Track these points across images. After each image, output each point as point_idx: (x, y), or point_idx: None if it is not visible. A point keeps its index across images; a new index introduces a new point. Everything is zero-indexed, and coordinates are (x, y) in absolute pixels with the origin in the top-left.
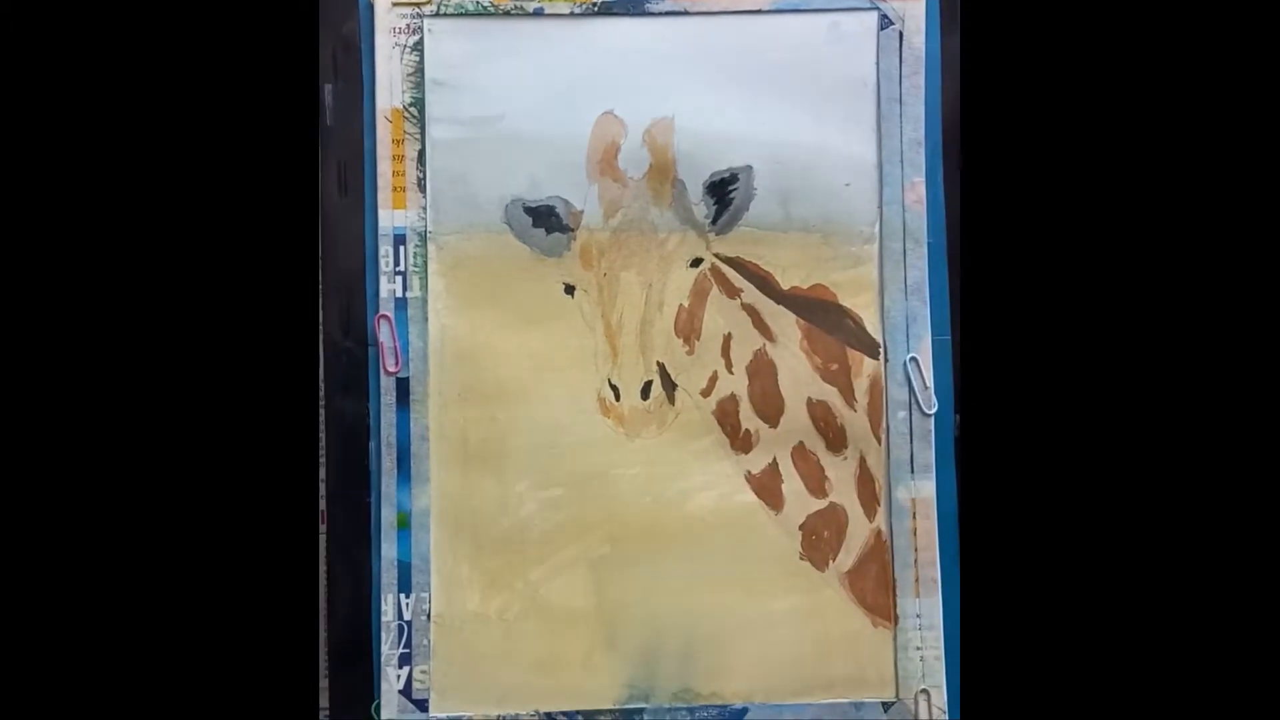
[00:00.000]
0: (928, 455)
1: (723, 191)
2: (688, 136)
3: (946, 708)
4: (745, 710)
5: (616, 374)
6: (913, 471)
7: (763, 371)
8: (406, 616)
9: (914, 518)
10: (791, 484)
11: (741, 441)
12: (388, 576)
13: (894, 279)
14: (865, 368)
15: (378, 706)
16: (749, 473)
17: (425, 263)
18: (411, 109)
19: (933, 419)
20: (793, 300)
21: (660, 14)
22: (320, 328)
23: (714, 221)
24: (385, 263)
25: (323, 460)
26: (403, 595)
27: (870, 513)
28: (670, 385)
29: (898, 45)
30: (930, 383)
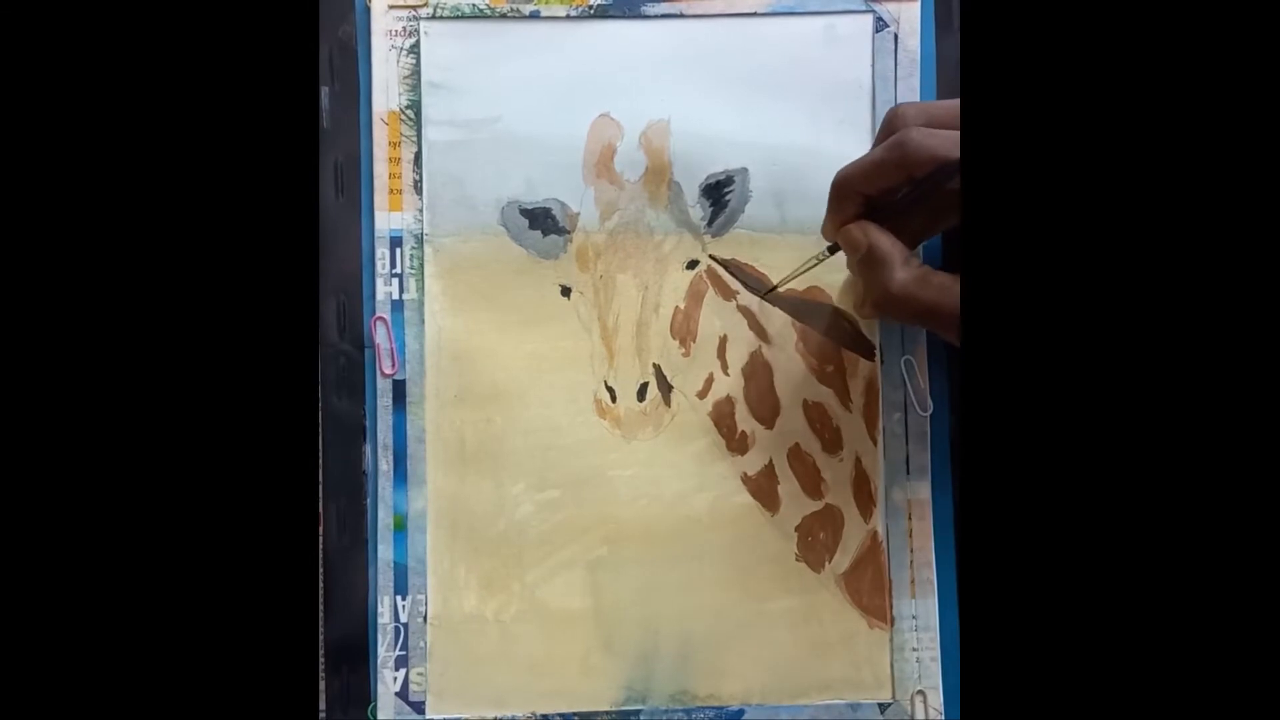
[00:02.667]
0: (923, 457)
1: (718, 194)
2: (684, 139)
3: (943, 708)
4: (742, 712)
5: (613, 376)
6: (908, 473)
7: (759, 373)
8: (403, 618)
9: (910, 519)
10: (788, 485)
11: (738, 443)
12: (384, 578)
13: None
14: (861, 369)
15: (374, 708)
16: (745, 474)
17: (422, 265)
18: (408, 111)
19: (928, 420)
20: (788, 302)
21: (656, 17)
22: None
23: (709, 223)
24: (382, 265)
25: (319, 463)
26: (399, 597)
27: (866, 514)
28: (666, 387)
29: (893, 48)
30: (926, 384)
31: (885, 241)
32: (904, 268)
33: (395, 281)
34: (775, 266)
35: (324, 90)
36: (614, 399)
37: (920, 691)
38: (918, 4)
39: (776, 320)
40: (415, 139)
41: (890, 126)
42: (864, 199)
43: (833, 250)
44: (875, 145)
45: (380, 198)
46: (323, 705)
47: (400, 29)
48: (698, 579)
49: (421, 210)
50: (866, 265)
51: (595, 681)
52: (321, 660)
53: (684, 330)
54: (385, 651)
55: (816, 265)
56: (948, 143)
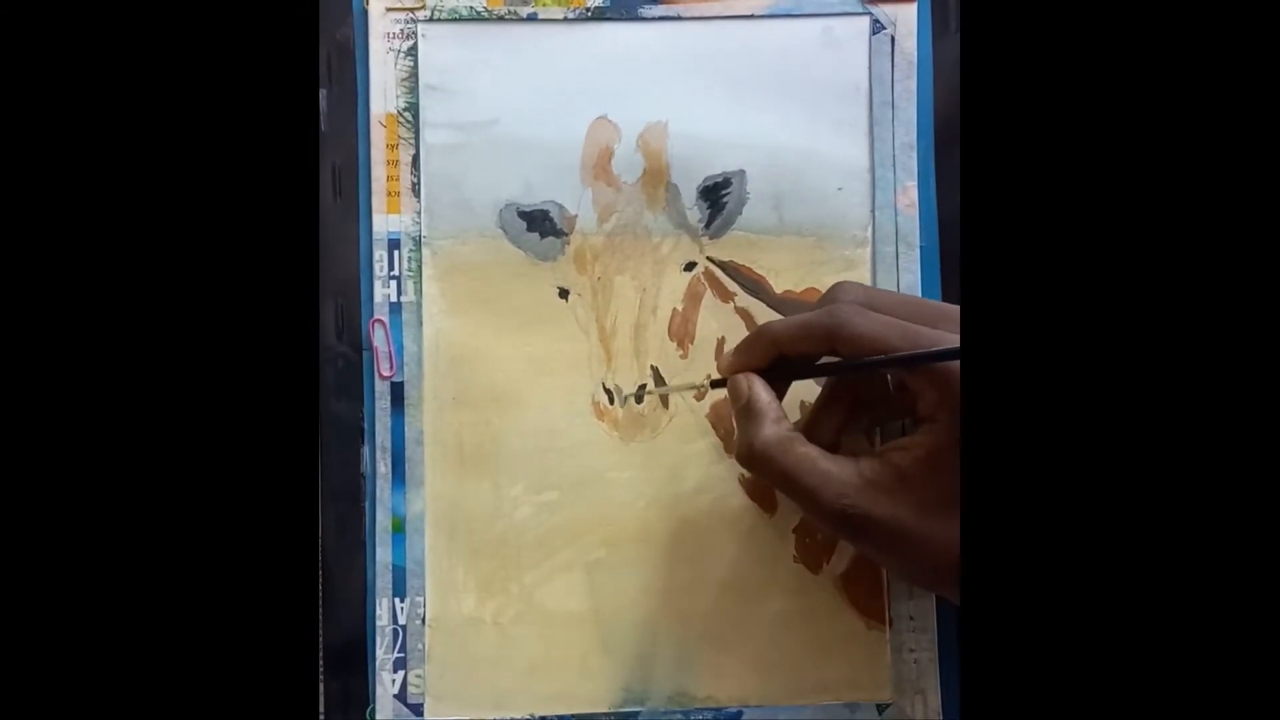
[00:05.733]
0: None
1: (716, 196)
2: (681, 141)
3: (942, 710)
4: (740, 713)
5: (610, 378)
6: None
7: None
8: (401, 621)
9: None
10: None
11: None
12: (382, 581)
13: (886, 283)
14: None
15: (373, 711)
16: (743, 476)
17: (419, 267)
18: (405, 114)
19: None
20: (786, 304)
21: (653, 19)
22: (317, 333)
23: (707, 225)
24: (380, 267)
25: (318, 465)
26: (397, 599)
27: None
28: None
29: (890, 50)
30: None
31: (764, 397)
32: (773, 425)
33: (393, 284)
34: (773, 268)
35: (322, 93)
36: (612, 401)
37: (919, 692)
38: (915, 6)
39: None
40: (413, 141)
41: (830, 296)
42: (776, 355)
43: (715, 385)
44: (814, 310)
45: (378, 200)
46: (322, 708)
47: (398, 31)
48: (696, 580)
49: (419, 213)
50: (742, 416)
51: (593, 683)
52: (320, 663)
53: (682, 332)
54: (384, 654)
55: (689, 390)
56: (878, 326)
